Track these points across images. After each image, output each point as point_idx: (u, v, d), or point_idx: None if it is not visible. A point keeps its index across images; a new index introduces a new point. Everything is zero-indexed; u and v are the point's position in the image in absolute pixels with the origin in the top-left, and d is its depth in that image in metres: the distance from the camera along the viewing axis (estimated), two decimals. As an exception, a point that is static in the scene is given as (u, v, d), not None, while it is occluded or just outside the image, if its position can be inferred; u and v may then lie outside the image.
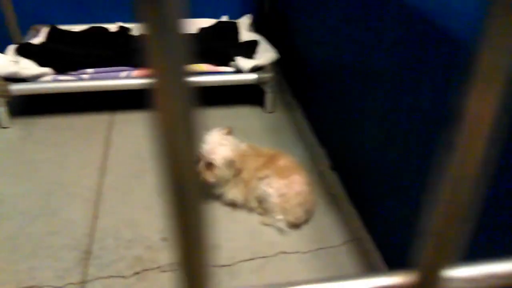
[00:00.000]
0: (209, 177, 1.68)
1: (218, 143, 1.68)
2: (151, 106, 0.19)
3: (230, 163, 1.67)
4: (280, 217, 1.68)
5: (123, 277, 1.51)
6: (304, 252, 1.62)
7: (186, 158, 0.21)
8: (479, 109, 0.22)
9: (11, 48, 2.35)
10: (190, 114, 0.20)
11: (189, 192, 0.22)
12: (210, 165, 1.67)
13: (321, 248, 1.63)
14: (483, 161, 0.23)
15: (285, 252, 1.62)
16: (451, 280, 0.28)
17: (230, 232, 1.70)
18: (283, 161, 1.74)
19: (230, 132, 1.77)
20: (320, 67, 2.04)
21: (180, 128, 0.20)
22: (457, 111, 0.22)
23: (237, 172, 1.70)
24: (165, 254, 1.59)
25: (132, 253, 1.59)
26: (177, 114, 0.20)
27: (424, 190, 1.23)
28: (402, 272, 0.28)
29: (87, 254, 1.58)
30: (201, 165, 1.68)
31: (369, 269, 1.55)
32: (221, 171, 1.67)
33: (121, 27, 2.67)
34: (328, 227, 1.73)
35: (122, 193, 1.86)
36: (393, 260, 1.47)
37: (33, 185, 1.89)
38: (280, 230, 1.70)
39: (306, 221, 1.73)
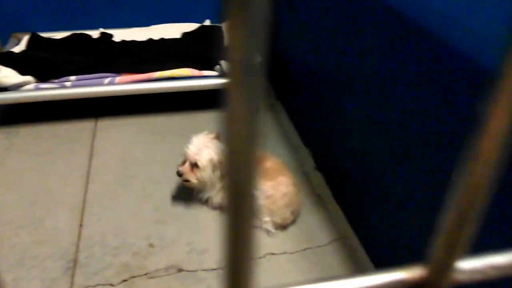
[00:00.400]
0: (192, 178, 1.68)
1: (204, 145, 1.69)
2: (222, 103, 0.20)
3: (215, 165, 1.68)
4: (267, 218, 1.69)
5: (111, 285, 1.50)
6: (292, 253, 1.63)
7: (251, 158, 0.21)
8: (500, 124, 0.23)
9: (-9, 57, 2.32)
10: (261, 112, 0.21)
11: (248, 193, 0.23)
12: (194, 166, 1.68)
13: (308, 248, 1.64)
14: (498, 169, 0.25)
15: (272, 253, 1.63)
16: (459, 272, 0.29)
17: (218, 236, 1.70)
18: (269, 163, 1.75)
19: (218, 137, 1.78)
20: (303, 69, 2.06)
21: (250, 126, 0.21)
22: (478, 123, 0.24)
23: (224, 175, 1.71)
24: (153, 260, 1.58)
25: (119, 260, 1.58)
26: (249, 112, 0.21)
27: (408, 188, 1.25)
28: (412, 266, 0.29)
29: (74, 263, 1.57)
30: (186, 166, 1.68)
31: (356, 267, 1.57)
32: (205, 173, 1.68)
33: (103, 33, 2.65)
34: (314, 227, 1.74)
35: (108, 200, 1.85)
36: (378, 257, 1.49)
37: (17, 194, 1.87)
38: (267, 232, 1.71)
39: (292, 222, 1.74)
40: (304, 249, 1.64)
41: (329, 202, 1.83)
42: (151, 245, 1.64)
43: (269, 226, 1.70)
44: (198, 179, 1.69)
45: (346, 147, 1.67)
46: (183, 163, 1.71)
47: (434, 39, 1.07)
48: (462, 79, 0.98)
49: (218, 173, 1.70)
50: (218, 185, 1.74)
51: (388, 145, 1.34)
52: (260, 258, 1.61)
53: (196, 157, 1.67)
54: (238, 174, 0.21)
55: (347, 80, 1.59)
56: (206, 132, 1.75)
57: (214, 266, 1.57)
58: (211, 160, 1.67)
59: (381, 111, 1.36)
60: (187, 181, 1.71)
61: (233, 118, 0.19)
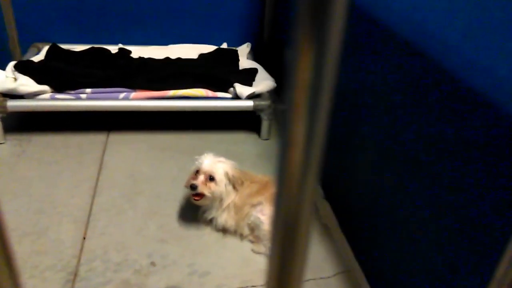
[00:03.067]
0: (206, 191, 1.67)
1: (217, 160, 1.71)
2: (284, 118, 0.20)
3: (231, 178, 1.69)
4: (271, 245, 1.66)
5: (109, 301, 1.47)
6: (295, 283, 1.60)
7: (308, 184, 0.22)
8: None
9: (11, 64, 2.36)
10: (324, 130, 0.21)
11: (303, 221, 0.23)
12: (208, 180, 1.67)
13: (311, 279, 1.61)
14: None
15: (275, 282, 1.59)
16: None
17: (220, 259, 1.68)
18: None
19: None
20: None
21: (310, 144, 0.21)
22: None
23: (239, 184, 1.72)
24: (154, 279, 1.56)
25: (120, 276, 1.56)
26: (312, 129, 0.21)
27: (417, 221, 1.23)
28: None
29: (74, 276, 1.55)
30: (200, 179, 1.67)
31: (360, 303, 1.53)
32: (219, 187, 1.67)
33: (121, 49, 2.70)
34: (319, 258, 1.71)
35: (113, 214, 1.84)
36: (384, 294, 1.46)
37: (23, 202, 1.87)
38: (271, 259, 1.68)
39: (297, 251, 1.71)
40: (308, 280, 1.61)
41: (336, 233, 1.80)
42: (152, 264, 1.62)
43: (273, 253, 1.67)
44: (211, 193, 1.68)
45: (355, 178, 1.66)
46: (195, 177, 1.70)
47: (450, 72, 1.07)
48: (473, 115, 0.98)
49: (230, 188, 1.70)
50: (224, 204, 1.72)
51: (399, 177, 1.33)
52: (262, 286, 1.58)
53: (213, 170, 1.67)
54: (292, 200, 0.21)
55: (359, 109, 1.59)
56: (213, 153, 1.75)
57: (215, 290, 1.54)
58: (226, 174, 1.68)
59: (392, 142, 1.35)
60: (197, 195, 1.69)
61: (292, 142, 0.19)
